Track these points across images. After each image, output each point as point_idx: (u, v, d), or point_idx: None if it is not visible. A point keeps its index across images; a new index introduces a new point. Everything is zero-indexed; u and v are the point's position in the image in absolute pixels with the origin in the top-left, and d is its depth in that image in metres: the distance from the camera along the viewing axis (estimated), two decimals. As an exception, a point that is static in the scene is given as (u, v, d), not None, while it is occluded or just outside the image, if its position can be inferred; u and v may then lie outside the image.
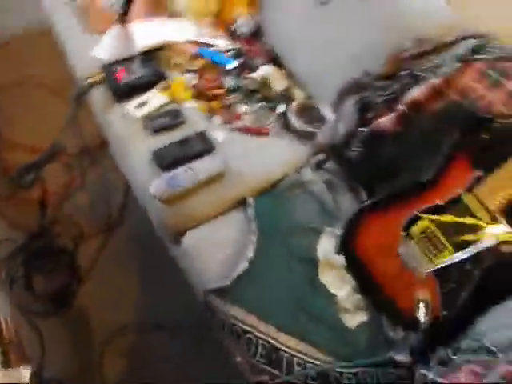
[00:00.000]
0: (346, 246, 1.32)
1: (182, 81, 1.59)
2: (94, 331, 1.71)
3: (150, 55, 1.65)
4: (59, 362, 1.62)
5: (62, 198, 1.95)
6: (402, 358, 1.18)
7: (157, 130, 1.48)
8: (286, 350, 1.16)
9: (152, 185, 1.34)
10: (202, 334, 1.55)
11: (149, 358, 1.67)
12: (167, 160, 1.39)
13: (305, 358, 1.16)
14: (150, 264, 1.84)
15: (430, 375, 1.02)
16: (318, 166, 1.50)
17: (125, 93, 1.56)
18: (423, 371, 1.04)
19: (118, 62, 1.60)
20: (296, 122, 1.55)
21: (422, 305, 1.14)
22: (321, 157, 1.51)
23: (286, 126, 1.57)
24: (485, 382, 0.92)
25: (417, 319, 1.11)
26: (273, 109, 1.59)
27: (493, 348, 0.98)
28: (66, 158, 2.03)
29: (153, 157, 1.41)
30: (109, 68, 1.59)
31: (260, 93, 1.62)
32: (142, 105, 1.53)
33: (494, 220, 1.12)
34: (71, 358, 1.68)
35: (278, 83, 1.63)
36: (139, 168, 1.44)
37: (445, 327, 1.16)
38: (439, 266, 1.16)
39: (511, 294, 1.11)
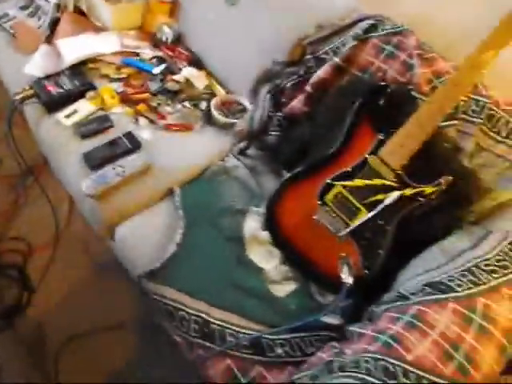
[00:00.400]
0: (270, 222, 1.39)
1: (109, 89, 1.64)
2: (49, 340, 1.70)
3: (79, 68, 1.71)
4: (16, 376, 1.61)
5: (7, 217, 1.98)
6: (332, 320, 1.25)
7: (86, 135, 1.53)
8: (218, 323, 1.20)
9: (83, 184, 1.39)
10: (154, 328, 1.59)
11: (104, 359, 1.69)
12: (96, 160, 1.44)
13: (236, 328, 1.20)
14: (98, 267, 1.87)
15: (355, 328, 1.09)
16: (241, 152, 1.57)
17: (55, 104, 1.60)
18: (351, 328, 1.10)
19: (47, 77, 1.65)
20: (218, 116, 1.62)
21: (344, 265, 1.21)
22: (242, 144, 1.58)
23: (209, 121, 1.65)
24: (400, 323, 0.98)
25: (341, 279, 1.18)
26: (196, 106, 1.67)
27: (406, 293, 1.05)
28: (10, 179, 2.06)
29: (83, 159, 1.46)
30: (39, 83, 1.64)
31: (184, 93, 1.70)
32: (72, 114, 1.58)
33: (398, 177, 1.20)
34: (28, 370, 1.67)
35: (200, 83, 1.71)
36: (71, 171, 1.48)
37: (369, 285, 1.24)
38: (354, 227, 1.23)
39: (423, 246, 1.21)
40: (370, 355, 0.91)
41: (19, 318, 1.72)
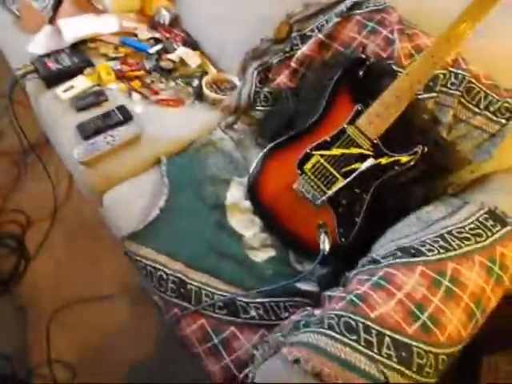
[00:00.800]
0: (252, 192, 1.37)
1: (106, 66, 1.64)
2: (42, 307, 1.70)
3: (78, 47, 1.71)
4: (8, 339, 1.63)
5: (7, 190, 1.98)
6: (307, 287, 1.23)
7: (82, 108, 1.53)
8: (195, 283, 1.20)
9: (74, 151, 1.39)
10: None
11: (95, 327, 1.68)
12: (89, 130, 1.44)
13: (212, 290, 1.19)
14: (96, 239, 1.87)
15: (327, 293, 1.07)
16: (228, 126, 1.56)
17: (54, 79, 1.60)
18: (326, 293, 1.09)
19: (48, 55, 1.66)
20: (208, 92, 1.61)
21: (322, 234, 1.20)
22: (230, 119, 1.57)
23: (200, 97, 1.64)
24: (367, 284, 0.96)
25: (318, 247, 1.17)
26: (189, 84, 1.66)
27: (377, 257, 1.03)
28: (12, 156, 2.07)
29: (77, 129, 1.46)
30: (40, 59, 1.64)
31: (177, 71, 1.70)
32: (69, 88, 1.58)
33: (374, 146, 1.19)
34: (20, 335, 1.67)
35: (193, 62, 1.71)
36: (66, 141, 1.48)
37: (346, 253, 1.22)
38: (331, 194, 1.22)
39: (401, 215, 1.18)
40: (334, 312, 0.89)
41: (16, 285, 1.74)
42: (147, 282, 1.23)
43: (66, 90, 1.57)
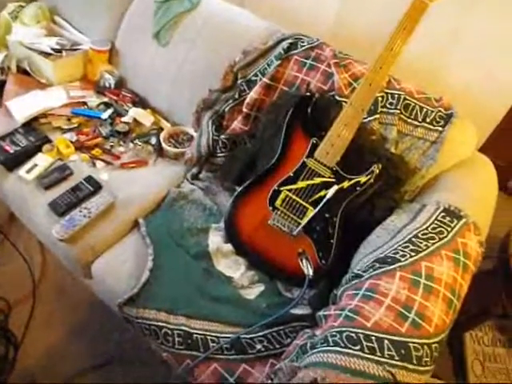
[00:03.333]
0: (230, 234, 1.50)
1: (63, 139, 1.74)
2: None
3: (31, 125, 1.79)
4: None
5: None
6: (302, 311, 1.36)
7: (49, 186, 1.60)
8: (199, 332, 1.29)
9: (53, 231, 1.46)
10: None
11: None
12: (62, 207, 1.52)
13: (217, 334, 1.29)
14: (80, 308, 1.92)
15: (322, 313, 1.20)
16: (194, 177, 1.69)
17: (14, 162, 1.67)
18: (319, 313, 1.21)
19: (3, 137, 1.72)
20: (168, 148, 1.74)
21: (303, 260, 1.34)
22: (195, 169, 1.70)
23: (161, 153, 1.77)
24: (357, 298, 1.10)
25: (303, 273, 1.31)
26: (147, 142, 1.78)
27: (359, 272, 1.18)
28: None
29: (49, 208, 1.54)
30: (-5, 145, 1.72)
31: (133, 132, 1.82)
32: (32, 168, 1.65)
33: (335, 173, 1.35)
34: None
35: (147, 120, 1.83)
36: (40, 221, 1.55)
37: (329, 273, 1.37)
38: (304, 224, 1.37)
39: (370, 229, 1.34)
40: (335, 330, 1.02)
41: (9, 374, 1.73)
42: (153, 341, 1.31)
43: (29, 171, 1.64)
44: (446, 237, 1.16)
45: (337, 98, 1.46)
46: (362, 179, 1.31)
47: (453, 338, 1.76)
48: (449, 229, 1.18)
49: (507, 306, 1.54)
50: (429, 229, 1.19)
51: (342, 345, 0.97)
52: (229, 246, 1.49)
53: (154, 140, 1.77)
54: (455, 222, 1.20)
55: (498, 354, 1.80)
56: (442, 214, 1.24)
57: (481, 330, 1.85)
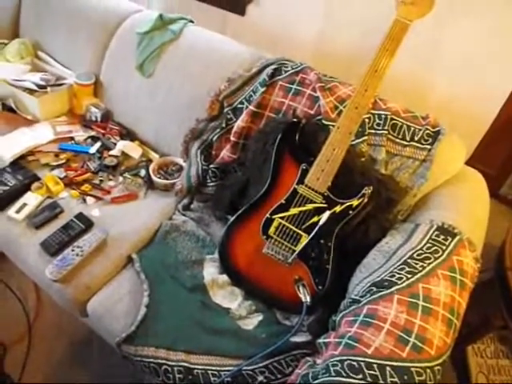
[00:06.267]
0: (225, 265, 1.50)
1: (52, 176, 1.74)
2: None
3: (19, 163, 1.79)
4: None
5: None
6: (301, 338, 1.37)
7: (40, 225, 1.60)
8: (200, 367, 1.28)
9: (46, 271, 1.46)
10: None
11: None
12: (54, 247, 1.52)
13: (218, 368, 1.29)
14: (79, 345, 1.91)
15: (322, 340, 1.20)
16: (186, 208, 1.70)
17: (4, 201, 1.67)
18: (319, 340, 1.21)
19: (-10, 179, 1.73)
20: (158, 180, 1.75)
21: (300, 287, 1.35)
22: (186, 200, 1.71)
23: (151, 185, 1.78)
24: (356, 324, 1.10)
25: (301, 300, 1.31)
26: (137, 175, 1.79)
27: (356, 297, 1.18)
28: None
29: (41, 248, 1.53)
30: (-17, 187, 1.72)
31: (122, 165, 1.83)
32: (22, 208, 1.65)
33: (326, 198, 1.35)
34: None
35: (135, 153, 1.85)
36: (32, 261, 1.54)
37: (327, 299, 1.37)
38: (298, 251, 1.37)
39: (365, 252, 1.35)
40: (336, 359, 1.02)
41: None
42: (153, 378, 1.30)
43: (18, 211, 1.64)
44: (441, 256, 1.17)
45: (324, 122, 1.47)
46: (354, 203, 1.32)
47: (455, 353, 1.76)
48: (444, 247, 1.19)
49: (507, 317, 1.54)
50: (424, 249, 1.20)
51: (344, 374, 0.96)
52: (224, 277, 1.49)
53: (143, 172, 1.78)
54: (449, 239, 1.21)
55: (502, 365, 1.80)
56: (436, 232, 1.25)
57: (483, 342, 1.85)
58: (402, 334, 1.01)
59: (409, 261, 1.17)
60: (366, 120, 1.44)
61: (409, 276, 1.13)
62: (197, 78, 1.75)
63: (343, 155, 1.32)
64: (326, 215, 1.33)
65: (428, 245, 1.21)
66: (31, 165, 1.82)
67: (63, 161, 1.82)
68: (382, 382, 0.93)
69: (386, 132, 1.43)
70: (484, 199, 1.43)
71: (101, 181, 1.76)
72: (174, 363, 1.28)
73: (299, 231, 1.38)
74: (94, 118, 1.97)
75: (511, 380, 1.77)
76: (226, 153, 1.64)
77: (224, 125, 1.66)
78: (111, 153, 1.83)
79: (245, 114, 1.59)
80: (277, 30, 2.45)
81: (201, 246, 1.58)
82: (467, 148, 1.48)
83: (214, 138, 1.68)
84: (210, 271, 1.50)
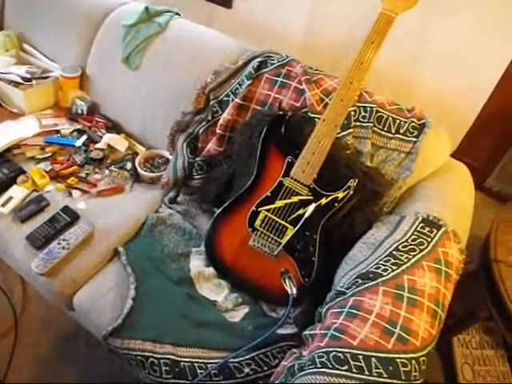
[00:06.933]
0: (211, 258, 1.50)
1: (38, 170, 1.72)
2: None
3: (4, 157, 1.77)
4: None
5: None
6: (287, 330, 1.36)
7: (26, 219, 1.58)
8: (186, 360, 1.28)
9: (32, 264, 1.44)
10: None
11: None
12: (40, 240, 1.50)
13: (204, 360, 1.28)
14: (65, 339, 1.90)
15: (308, 332, 1.20)
16: (172, 201, 1.69)
17: (-12, 195, 1.65)
18: (305, 332, 1.21)
19: (-26, 175, 1.70)
20: (144, 172, 1.73)
21: (286, 279, 1.34)
22: (172, 193, 1.70)
23: (138, 178, 1.76)
24: (342, 316, 1.10)
25: (287, 293, 1.30)
26: (123, 168, 1.77)
27: (342, 289, 1.18)
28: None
29: (27, 241, 1.52)
30: (-32, 180, 1.69)
31: (108, 158, 1.81)
32: (7, 201, 1.63)
33: (312, 190, 1.35)
34: None
35: (121, 146, 1.83)
36: (18, 255, 1.53)
37: (313, 291, 1.37)
38: (284, 244, 1.37)
39: (351, 244, 1.35)
40: (322, 351, 1.02)
41: None
42: (139, 371, 1.29)
43: (4, 204, 1.62)
44: (426, 247, 1.17)
45: (309, 114, 1.46)
46: (340, 195, 1.32)
47: (441, 344, 1.77)
48: (429, 239, 1.19)
49: (492, 308, 1.55)
50: (409, 240, 1.20)
51: (330, 366, 0.96)
52: (210, 270, 1.48)
53: (129, 165, 1.77)
54: (435, 231, 1.21)
55: (487, 356, 1.82)
56: (421, 224, 1.25)
57: (468, 333, 1.86)
58: (387, 326, 1.01)
59: (394, 252, 1.17)
60: (352, 112, 1.44)
61: (394, 268, 1.13)
62: (183, 70, 1.73)
63: (329, 148, 1.32)
64: (311, 207, 1.32)
65: (413, 237, 1.21)
66: (17, 158, 1.79)
67: (49, 154, 1.80)
68: (367, 373, 0.93)
69: (371, 124, 1.43)
70: (469, 191, 1.44)
71: (87, 174, 1.74)
72: (160, 356, 1.27)
73: (285, 223, 1.37)
74: (79, 111, 1.95)
75: (496, 370, 1.77)
76: (212, 146, 1.63)
77: (210, 118, 1.64)
78: (97, 146, 1.81)
79: (231, 107, 1.58)
80: (264, 23, 2.43)
81: (187, 239, 1.56)
82: (453, 141, 1.48)
83: (200, 131, 1.66)
84: (196, 264, 1.49)
